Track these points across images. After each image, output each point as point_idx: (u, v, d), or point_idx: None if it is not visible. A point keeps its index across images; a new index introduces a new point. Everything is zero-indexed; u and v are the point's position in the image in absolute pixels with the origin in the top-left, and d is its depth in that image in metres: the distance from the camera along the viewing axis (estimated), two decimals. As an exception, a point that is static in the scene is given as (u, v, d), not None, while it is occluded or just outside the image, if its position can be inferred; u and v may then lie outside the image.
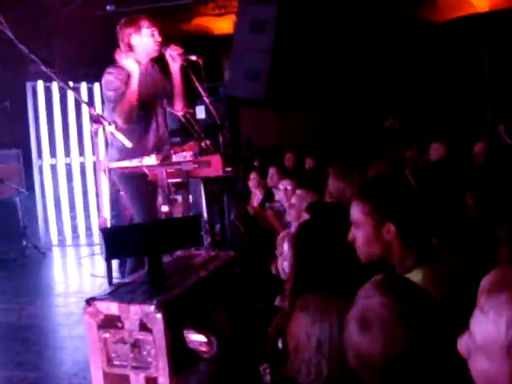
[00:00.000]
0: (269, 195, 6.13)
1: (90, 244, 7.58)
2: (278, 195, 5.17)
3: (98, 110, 7.95)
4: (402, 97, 9.60)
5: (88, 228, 8.10)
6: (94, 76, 7.47)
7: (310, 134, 9.82)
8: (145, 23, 3.84)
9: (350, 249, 2.00)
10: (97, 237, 7.90)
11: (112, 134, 3.01)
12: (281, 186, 4.75)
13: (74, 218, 8.00)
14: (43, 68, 2.98)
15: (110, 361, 2.09)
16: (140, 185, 3.61)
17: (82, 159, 8.16)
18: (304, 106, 7.39)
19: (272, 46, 6.58)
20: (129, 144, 3.01)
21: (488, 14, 9.12)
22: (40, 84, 7.75)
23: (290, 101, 7.15)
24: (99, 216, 3.29)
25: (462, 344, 1.05)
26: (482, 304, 1.01)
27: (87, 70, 8.21)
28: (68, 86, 3.22)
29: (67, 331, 4.38)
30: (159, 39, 3.90)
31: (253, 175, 6.58)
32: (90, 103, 8.02)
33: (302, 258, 2.34)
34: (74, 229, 7.99)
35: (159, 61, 4.21)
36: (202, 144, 3.83)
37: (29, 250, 6.76)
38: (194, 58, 3.98)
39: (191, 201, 5.51)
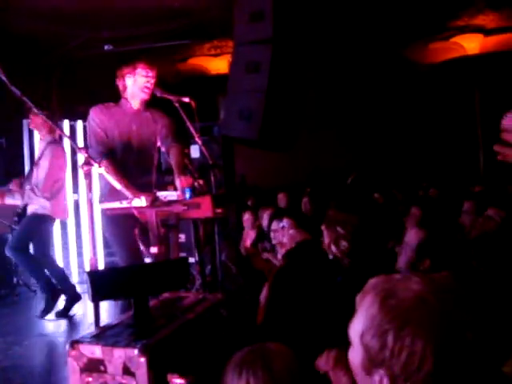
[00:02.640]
0: (261, 235, 6.13)
1: (82, 282, 7.53)
2: (275, 236, 5.15)
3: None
4: (396, 136, 9.71)
5: (80, 266, 8.04)
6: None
7: (305, 172, 9.89)
8: (141, 64, 3.93)
9: (321, 299, 1.98)
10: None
11: (101, 174, 3.03)
12: (276, 225, 4.74)
13: (66, 256, 7.96)
14: (35, 110, 3.03)
15: (92, 405, 2.07)
16: (126, 227, 3.62)
17: (75, 196, 8.13)
18: (299, 145, 7.46)
19: (266, 86, 6.66)
20: (118, 186, 3.03)
21: (479, 57, 9.30)
22: (36, 122, 7.78)
23: (285, 140, 7.21)
24: (91, 256, 3.33)
25: (349, 335, 1.24)
26: (357, 301, 1.23)
27: (85, 108, 8.26)
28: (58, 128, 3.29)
29: (53, 373, 4.32)
30: (153, 81, 3.96)
31: (246, 215, 6.59)
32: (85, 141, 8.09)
33: (273, 303, 2.34)
34: (67, 266, 7.94)
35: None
36: (196, 184, 3.87)
37: (20, 287, 6.71)
38: (186, 99, 4.04)
39: (184, 241, 5.53)
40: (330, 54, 8.34)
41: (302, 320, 2.14)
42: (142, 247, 3.61)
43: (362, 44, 8.76)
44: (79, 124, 8.03)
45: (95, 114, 3.91)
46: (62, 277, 5.52)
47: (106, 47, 9.18)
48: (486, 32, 8.90)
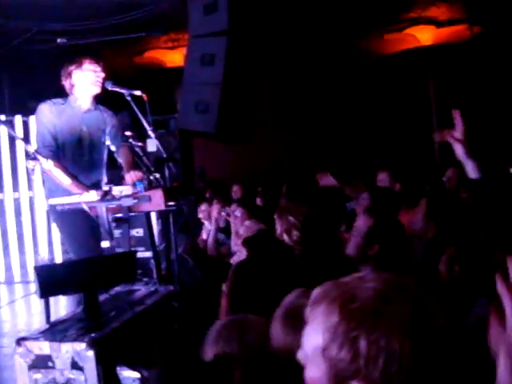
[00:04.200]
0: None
1: (26, 282, 7.38)
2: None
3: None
4: (352, 127, 9.81)
5: (23, 266, 7.76)
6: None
7: (264, 164, 9.91)
8: (86, 60, 3.89)
9: (283, 289, 2.01)
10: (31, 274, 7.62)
11: (50, 170, 3.00)
12: (232, 212, 4.76)
13: (22, 253, 7.79)
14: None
15: (40, 401, 2.06)
16: (78, 222, 3.59)
17: (16, 195, 7.87)
18: (257, 137, 7.48)
19: (222, 78, 6.65)
20: (67, 181, 3.00)
21: (432, 48, 9.47)
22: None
23: (242, 133, 7.22)
24: (35, 254, 3.23)
25: (299, 355, 1.13)
26: (307, 317, 1.11)
27: (37, 103, 8.09)
28: (2, 122, 3.22)
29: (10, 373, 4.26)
30: (102, 74, 3.93)
31: (203, 207, 6.58)
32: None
33: (235, 296, 2.37)
34: (23, 265, 7.76)
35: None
36: (151, 177, 3.85)
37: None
38: (138, 93, 4.01)
39: (142, 235, 5.49)
40: (284, 46, 8.37)
41: (265, 308, 2.17)
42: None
43: (316, 35, 8.81)
44: (32, 119, 7.85)
45: (44, 112, 3.86)
46: None
47: (59, 40, 9.01)
48: (438, 24, 9.06)
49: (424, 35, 9.40)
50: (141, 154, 4.95)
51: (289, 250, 3.29)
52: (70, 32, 8.77)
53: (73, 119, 3.87)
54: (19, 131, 7.69)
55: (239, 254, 3.86)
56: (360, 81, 9.87)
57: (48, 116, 3.81)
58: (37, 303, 5.73)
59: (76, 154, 3.77)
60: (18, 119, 7.85)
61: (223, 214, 5.05)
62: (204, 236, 6.48)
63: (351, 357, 1.03)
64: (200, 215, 6.57)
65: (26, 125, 7.91)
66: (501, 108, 8.65)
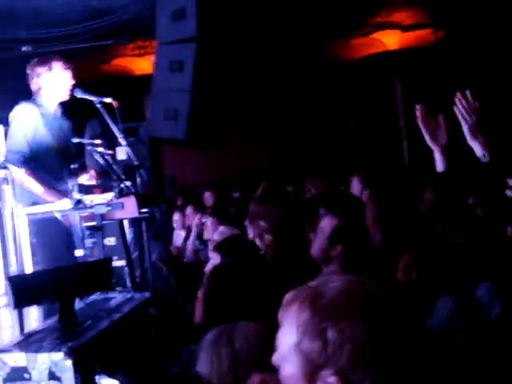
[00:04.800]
0: (189, 234, 6.12)
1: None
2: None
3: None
4: (321, 131, 9.90)
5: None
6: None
7: (235, 169, 9.94)
8: (58, 63, 3.80)
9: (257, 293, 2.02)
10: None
11: (20, 179, 2.94)
12: (206, 222, 4.76)
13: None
14: None
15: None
16: (52, 231, 3.53)
17: None
18: (227, 143, 7.48)
19: (191, 85, 6.64)
20: (40, 190, 2.96)
21: (398, 52, 9.62)
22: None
23: (213, 138, 7.22)
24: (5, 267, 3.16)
25: (274, 357, 1.25)
26: (280, 319, 1.24)
27: (3, 113, 7.96)
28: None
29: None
30: (71, 82, 3.87)
31: (176, 216, 6.58)
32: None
33: (210, 301, 2.36)
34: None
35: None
36: (122, 185, 3.82)
37: None
38: (108, 100, 3.97)
39: (115, 244, 5.43)
40: (252, 51, 8.40)
41: (241, 314, 2.17)
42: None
43: (284, 40, 8.87)
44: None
45: (26, 112, 3.74)
46: None
47: (24, 48, 8.88)
48: (404, 28, 9.20)
49: (390, 39, 9.54)
50: (111, 162, 4.91)
51: (261, 254, 3.31)
52: (35, 40, 8.66)
53: (46, 121, 3.78)
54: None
55: (212, 260, 3.84)
56: (327, 85, 9.97)
57: (30, 118, 3.69)
58: (6, 317, 5.60)
59: (52, 160, 3.70)
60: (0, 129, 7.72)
61: (196, 220, 5.04)
62: (177, 243, 6.47)
63: (321, 347, 1.14)
64: (174, 224, 6.56)
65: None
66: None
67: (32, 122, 3.70)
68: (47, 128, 3.78)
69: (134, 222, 4.10)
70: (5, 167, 2.86)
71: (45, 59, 3.85)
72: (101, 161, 4.89)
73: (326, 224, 2.80)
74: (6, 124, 7.75)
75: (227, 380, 1.79)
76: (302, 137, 9.97)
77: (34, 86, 3.88)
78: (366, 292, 1.20)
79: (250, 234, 3.47)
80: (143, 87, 8.87)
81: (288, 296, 1.25)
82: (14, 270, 3.66)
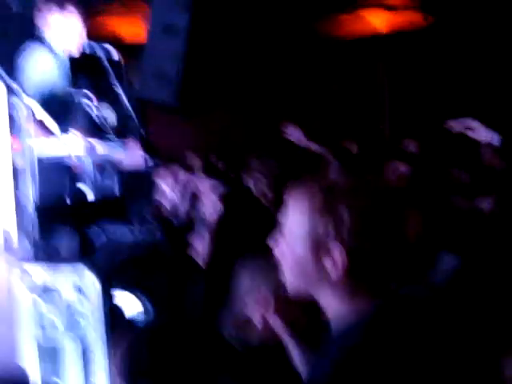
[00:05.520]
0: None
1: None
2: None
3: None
4: (305, 109, 10.02)
5: None
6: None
7: (217, 137, 10.03)
8: (75, 10, 3.73)
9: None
10: None
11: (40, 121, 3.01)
12: (197, 180, 4.85)
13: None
14: None
15: (41, 324, 2.17)
16: (56, 174, 3.58)
17: None
18: (214, 112, 7.57)
19: (184, 49, 6.69)
20: (57, 132, 3.04)
21: (386, 34, 9.77)
22: None
23: (202, 106, 7.29)
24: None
25: (275, 240, 1.45)
26: (288, 203, 1.42)
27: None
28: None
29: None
30: (84, 36, 3.83)
31: (163, 173, 6.67)
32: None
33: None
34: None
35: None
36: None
37: None
38: (116, 57, 4.01)
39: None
40: (248, 21, 8.45)
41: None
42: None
43: (274, 17, 8.94)
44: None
45: (38, 54, 3.73)
46: None
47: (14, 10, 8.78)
48: (392, 8, 9.35)
49: (378, 20, 9.68)
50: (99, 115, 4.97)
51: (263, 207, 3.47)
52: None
53: (58, 66, 3.76)
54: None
55: (211, 213, 3.95)
56: (312, 62, 10.07)
57: (38, 61, 3.69)
58: None
59: (62, 104, 3.73)
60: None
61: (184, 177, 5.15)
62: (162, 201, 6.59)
63: (333, 223, 1.32)
64: (160, 183, 6.65)
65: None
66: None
67: (43, 66, 3.68)
68: (58, 71, 3.74)
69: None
70: (26, 107, 2.92)
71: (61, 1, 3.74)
72: (90, 112, 4.94)
73: None
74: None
75: None
76: (283, 113, 10.10)
77: (40, 20, 3.76)
78: (368, 182, 1.46)
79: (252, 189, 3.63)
80: (127, 51, 8.88)
81: (296, 182, 1.44)
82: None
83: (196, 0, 6.64)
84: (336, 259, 1.32)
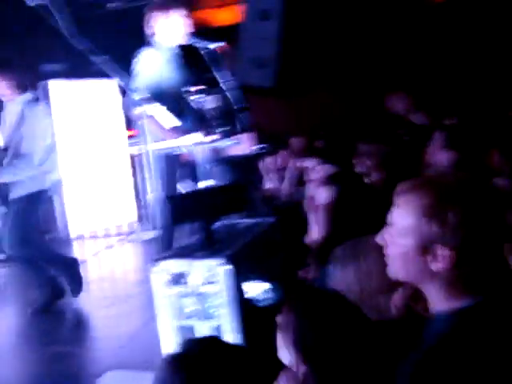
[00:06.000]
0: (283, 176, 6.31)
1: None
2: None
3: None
4: (408, 79, 9.76)
5: None
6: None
7: (319, 120, 10.01)
8: (176, 10, 3.96)
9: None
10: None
11: (152, 116, 3.18)
12: (308, 164, 4.90)
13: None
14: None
15: (176, 314, 2.31)
16: (165, 166, 3.74)
17: None
18: (313, 94, 7.57)
19: (279, 33, 6.74)
20: (168, 126, 3.18)
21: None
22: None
23: (300, 87, 7.33)
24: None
25: (382, 236, 1.51)
26: (397, 202, 1.46)
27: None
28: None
29: (104, 312, 4.59)
30: (189, 29, 4.01)
31: (268, 160, 6.76)
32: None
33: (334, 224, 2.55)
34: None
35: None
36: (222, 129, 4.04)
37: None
38: (218, 44, 4.15)
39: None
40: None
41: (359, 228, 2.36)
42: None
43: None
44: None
45: (148, 57, 3.97)
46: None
47: (108, 5, 9.15)
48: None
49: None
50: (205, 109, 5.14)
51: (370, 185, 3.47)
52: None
53: (170, 65, 4.01)
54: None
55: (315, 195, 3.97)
56: (416, 31, 9.78)
57: (152, 62, 3.92)
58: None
59: (173, 100, 3.93)
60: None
61: (298, 164, 5.20)
62: (267, 186, 6.70)
63: (439, 226, 1.35)
64: (264, 168, 6.77)
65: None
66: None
67: (153, 65, 3.92)
68: (168, 71, 4.00)
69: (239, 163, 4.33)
70: (140, 105, 3.09)
71: (163, 4, 4.03)
72: (195, 106, 5.12)
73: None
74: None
75: (355, 290, 1.98)
76: (387, 87, 9.89)
77: (149, 30, 4.06)
78: (477, 184, 1.43)
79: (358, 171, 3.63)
80: (223, 38, 9.03)
81: (406, 183, 1.47)
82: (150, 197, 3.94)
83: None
84: (439, 260, 1.37)
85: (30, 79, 4.66)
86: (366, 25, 9.45)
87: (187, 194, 2.96)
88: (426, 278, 1.41)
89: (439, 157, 3.36)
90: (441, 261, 1.37)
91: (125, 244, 7.23)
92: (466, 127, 3.94)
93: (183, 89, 5.09)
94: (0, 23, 4.49)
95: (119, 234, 7.74)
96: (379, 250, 2.07)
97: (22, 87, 4.43)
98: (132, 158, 7.85)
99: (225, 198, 2.52)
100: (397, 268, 1.48)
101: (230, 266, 2.19)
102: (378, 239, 1.52)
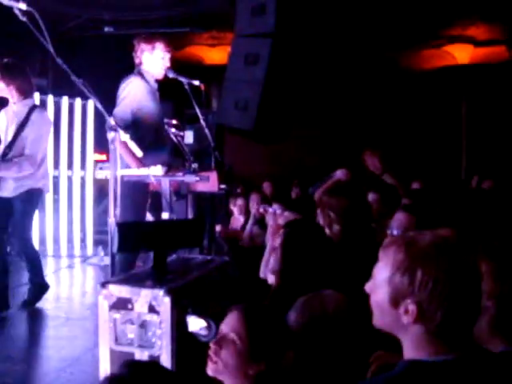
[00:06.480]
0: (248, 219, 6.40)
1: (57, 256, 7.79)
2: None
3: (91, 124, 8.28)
4: (382, 138, 10.00)
5: (56, 241, 8.18)
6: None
7: (293, 164, 10.15)
8: (160, 45, 4.13)
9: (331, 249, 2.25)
10: (77, 249, 8.11)
11: (125, 142, 3.25)
12: (270, 210, 5.00)
13: (56, 228, 8.15)
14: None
15: (117, 339, 2.33)
16: (138, 194, 3.86)
17: (69, 172, 8.36)
18: (288, 139, 7.71)
19: (264, 78, 6.90)
20: (140, 153, 3.26)
21: (468, 67, 9.65)
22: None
23: (278, 133, 7.46)
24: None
25: (367, 286, 1.58)
26: (380, 256, 1.55)
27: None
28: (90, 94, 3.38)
29: (53, 332, 4.57)
30: (168, 64, 4.18)
31: (239, 201, 6.85)
32: (83, 118, 8.30)
33: (289, 256, 2.61)
34: (56, 240, 8.12)
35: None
36: (192, 166, 4.12)
37: (12, 256, 6.86)
38: (196, 82, 4.28)
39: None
40: (324, 53, 8.59)
41: (313, 280, 2.44)
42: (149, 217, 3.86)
43: (355, 46, 9.04)
44: (78, 102, 8.27)
45: (136, 84, 4.08)
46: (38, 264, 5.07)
47: (106, 29, 9.30)
48: (477, 43, 9.25)
49: (461, 53, 9.60)
50: (182, 142, 5.24)
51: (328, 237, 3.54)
52: (117, 22, 9.09)
53: (149, 93, 4.11)
54: (65, 111, 8.13)
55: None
56: (394, 93, 10.07)
57: (137, 89, 4.02)
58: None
59: (151, 129, 4.02)
60: (65, 100, 8.21)
61: (261, 209, 5.30)
62: (234, 227, 6.77)
63: (409, 282, 1.45)
64: (234, 208, 6.85)
65: (71, 106, 8.29)
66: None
67: (139, 93, 4.03)
68: (150, 100, 4.11)
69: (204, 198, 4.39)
70: (115, 130, 3.17)
71: (149, 38, 4.18)
72: (174, 140, 5.22)
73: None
74: (86, 97, 8.22)
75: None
76: (364, 142, 10.10)
77: (136, 60, 4.21)
78: (451, 245, 1.51)
79: (320, 220, 3.70)
80: (212, 77, 9.21)
81: (389, 240, 1.62)
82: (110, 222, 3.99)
83: (278, 31, 6.89)
84: (409, 314, 1.46)
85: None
86: (348, 80, 9.73)
87: (138, 223, 3.00)
88: (400, 329, 1.50)
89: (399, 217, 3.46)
90: (410, 315, 1.46)
91: (86, 266, 7.22)
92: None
93: (164, 120, 5.21)
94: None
95: (82, 256, 7.73)
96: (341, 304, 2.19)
97: (29, 92, 4.81)
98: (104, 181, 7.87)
99: (179, 232, 2.58)
100: (376, 317, 1.57)
101: (170, 298, 2.23)
102: (366, 288, 1.60)
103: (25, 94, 4.77)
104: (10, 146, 4.66)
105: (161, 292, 2.26)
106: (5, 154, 4.66)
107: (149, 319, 2.28)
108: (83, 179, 8.42)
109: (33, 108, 4.77)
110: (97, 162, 8.13)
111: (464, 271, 1.47)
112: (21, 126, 4.68)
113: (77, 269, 7.14)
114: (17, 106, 4.79)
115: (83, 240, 8.38)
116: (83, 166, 8.37)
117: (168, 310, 2.24)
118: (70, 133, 8.28)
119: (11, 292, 5.01)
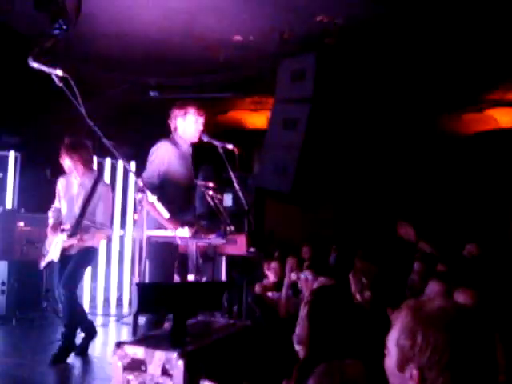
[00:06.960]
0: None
1: (107, 314, 7.82)
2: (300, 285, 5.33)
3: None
4: (425, 205, 9.87)
5: (106, 299, 8.31)
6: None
7: (333, 230, 10.08)
8: (192, 110, 4.22)
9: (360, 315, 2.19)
10: (113, 308, 8.17)
11: (152, 204, 3.28)
12: (302, 276, 4.94)
13: (94, 287, 8.24)
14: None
15: (130, 402, 2.29)
16: (167, 254, 3.87)
17: (121, 232, 8.54)
18: (328, 204, 7.70)
19: (301, 142, 6.97)
20: (167, 215, 3.28)
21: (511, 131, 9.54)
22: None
23: (315, 197, 7.47)
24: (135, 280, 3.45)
25: (385, 350, 1.58)
26: (392, 319, 1.58)
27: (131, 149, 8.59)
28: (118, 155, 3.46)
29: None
30: (201, 128, 4.27)
31: (274, 264, 6.79)
32: (113, 178, 8.50)
33: (315, 325, 2.54)
34: (93, 298, 8.21)
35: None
36: (228, 229, 4.12)
37: (48, 312, 6.93)
38: (230, 146, 4.33)
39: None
40: (362, 117, 8.64)
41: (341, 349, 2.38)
42: (176, 278, 3.85)
43: (396, 111, 9.07)
44: (107, 161, 8.48)
45: (165, 149, 4.16)
46: (83, 313, 5.44)
47: (151, 93, 9.59)
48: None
49: (504, 117, 9.51)
50: (219, 205, 5.27)
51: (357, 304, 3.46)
52: (162, 87, 9.37)
53: (180, 157, 4.19)
54: (108, 171, 8.37)
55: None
56: (437, 159, 10.00)
57: (165, 153, 4.11)
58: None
59: (179, 192, 4.08)
60: (108, 162, 8.44)
61: (293, 276, 5.22)
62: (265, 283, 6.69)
63: (410, 345, 1.46)
64: (269, 271, 6.78)
65: (113, 167, 8.51)
66: None
67: (167, 157, 4.11)
68: (178, 165, 4.17)
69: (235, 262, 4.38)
70: (143, 191, 3.22)
71: (182, 104, 4.28)
72: (211, 202, 5.27)
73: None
74: (134, 159, 8.44)
75: None
76: (407, 207, 9.99)
77: (171, 125, 4.32)
78: (456, 312, 1.50)
79: (352, 287, 3.64)
80: (253, 140, 9.34)
81: (405, 303, 1.60)
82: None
83: (316, 96, 6.99)
84: (413, 379, 1.46)
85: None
86: (387, 144, 9.73)
87: (158, 284, 3.00)
88: None
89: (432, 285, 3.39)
90: (413, 380, 1.45)
91: (121, 325, 7.22)
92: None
93: (201, 183, 5.27)
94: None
95: (117, 315, 7.76)
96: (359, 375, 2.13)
97: (91, 163, 5.41)
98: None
99: (199, 295, 2.56)
100: (389, 379, 1.57)
101: (184, 361, 2.19)
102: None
103: (88, 166, 5.30)
104: (81, 215, 5.10)
105: (174, 355, 2.23)
106: (78, 223, 5.08)
107: (162, 382, 2.24)
108: (122, 238, 8.56)
109: (97, 180, 5.26)
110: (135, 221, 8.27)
111: (470, 343, 1.43)
112: (89, 198, 5.15)
113: (111, 327, 7.13)
114: (81, 179, 5.28)
115: (119, 299, 8.44)
116: (123, 226, 8.52)
117: (181, 374, 2.20)
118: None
119: (43, 348, 5.14)
